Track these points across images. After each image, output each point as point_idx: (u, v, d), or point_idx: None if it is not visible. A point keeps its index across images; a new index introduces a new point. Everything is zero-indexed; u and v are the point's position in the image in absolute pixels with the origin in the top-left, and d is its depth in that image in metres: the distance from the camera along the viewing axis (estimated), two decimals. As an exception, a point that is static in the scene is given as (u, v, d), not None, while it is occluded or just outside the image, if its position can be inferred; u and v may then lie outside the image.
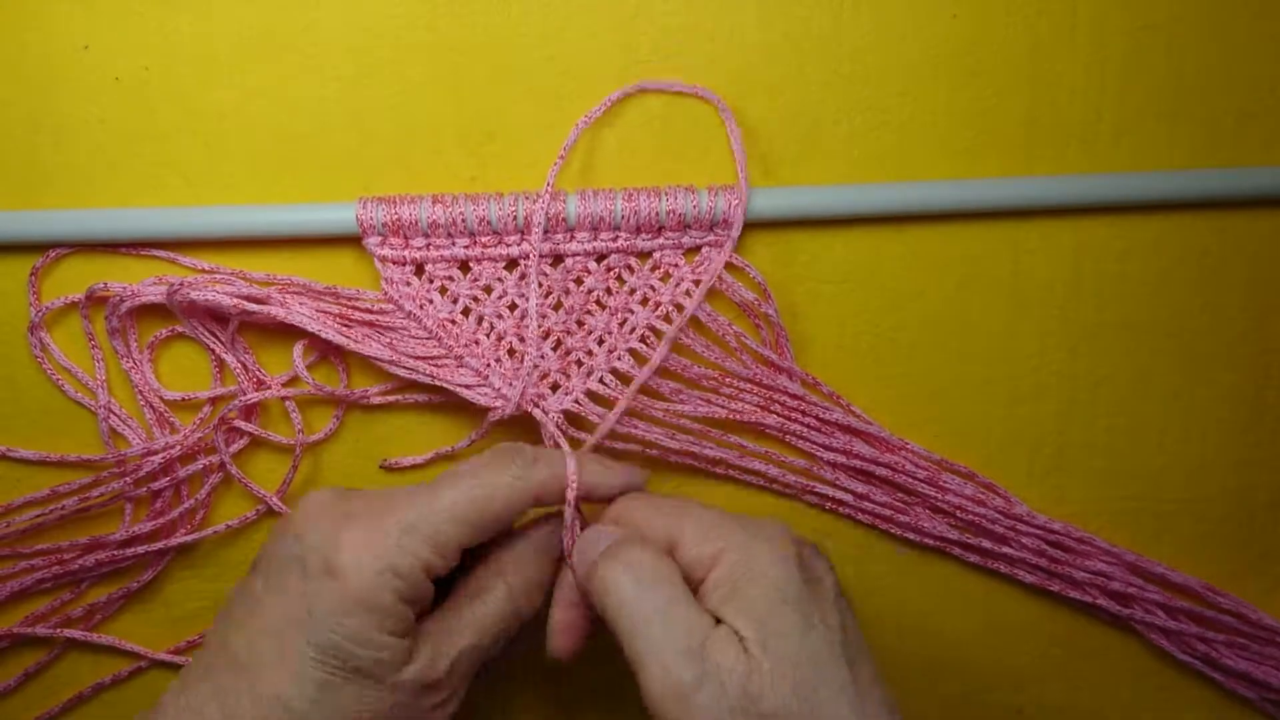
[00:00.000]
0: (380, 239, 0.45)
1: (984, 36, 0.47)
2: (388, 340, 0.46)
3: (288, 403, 0.48)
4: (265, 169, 0.47)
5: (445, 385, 0.46)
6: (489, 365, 0.46)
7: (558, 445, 0.45)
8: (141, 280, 0.46)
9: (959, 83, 0.47)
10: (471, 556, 0.41)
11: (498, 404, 0.46)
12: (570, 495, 0.41)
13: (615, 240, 0.46)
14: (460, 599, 0.41)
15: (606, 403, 0.47)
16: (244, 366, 0.48)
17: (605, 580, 0.38)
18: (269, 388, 0.48)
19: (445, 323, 0.46)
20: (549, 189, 0.44)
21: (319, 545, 0.37)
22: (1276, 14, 0.47)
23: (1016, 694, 0.52)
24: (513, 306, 0.47)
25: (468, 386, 0.46)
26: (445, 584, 0.41)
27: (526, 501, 0.40)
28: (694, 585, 0.38)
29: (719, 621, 0.37)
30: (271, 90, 0.46)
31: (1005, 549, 0.49)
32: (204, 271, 0.47)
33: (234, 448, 0.49)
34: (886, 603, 0.50)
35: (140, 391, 0.48)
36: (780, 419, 0.48)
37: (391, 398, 0.48)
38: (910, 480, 0.48)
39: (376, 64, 0.46)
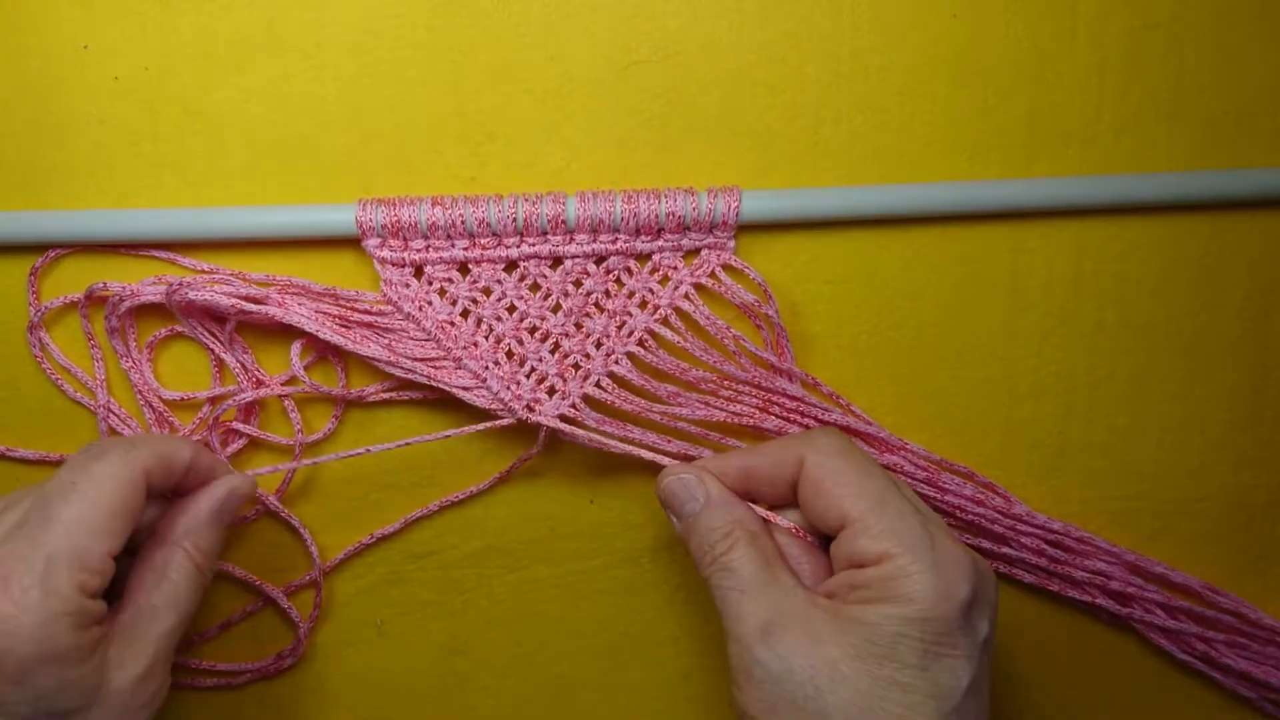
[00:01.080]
0: (379, 241, 0.45)
1: (984, 36, 0.47)
2: (386, 342, 0.46)
3: (286, 402, 0.48)
4: (265, 169, 0.47)
5: (443, 387, 0.46)
6: (487, 368, 0.46)
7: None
8: (141, 280, 0.46)
9: (959, 83, 0.47)
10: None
11: (494, 406, 0.46)
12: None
13: (614, 242, 0.46)
14: (144, 582, 0.40)
15: (603, 407, 0.47)
16: (243, 366, 0.48)
17: (724, 561, 0.39)
18: (268, 388, 0.48)
19: (444, 325, 0.46)
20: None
21: None
22: (1276, 14, 0.47)
23: (1016, 694, 0.52)
24: (511, 309, 0.47)
25: (465, 389, 0.46)
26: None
27: (141, 485, 0.39)
28: (841, 562, 0.38)
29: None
30: (271, 90, 0.46)
31: (1005, 549, 0.49)
32: (203, 272, 0.47)
33: (233, 447, 0.49)
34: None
35: (140, 391, 0.48)
36: (780, 420, 0.48)
37: (386, 395, 0.48)
38: (910, 480, 0.48)
39: (376, 64, 0.46)
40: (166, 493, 0.42)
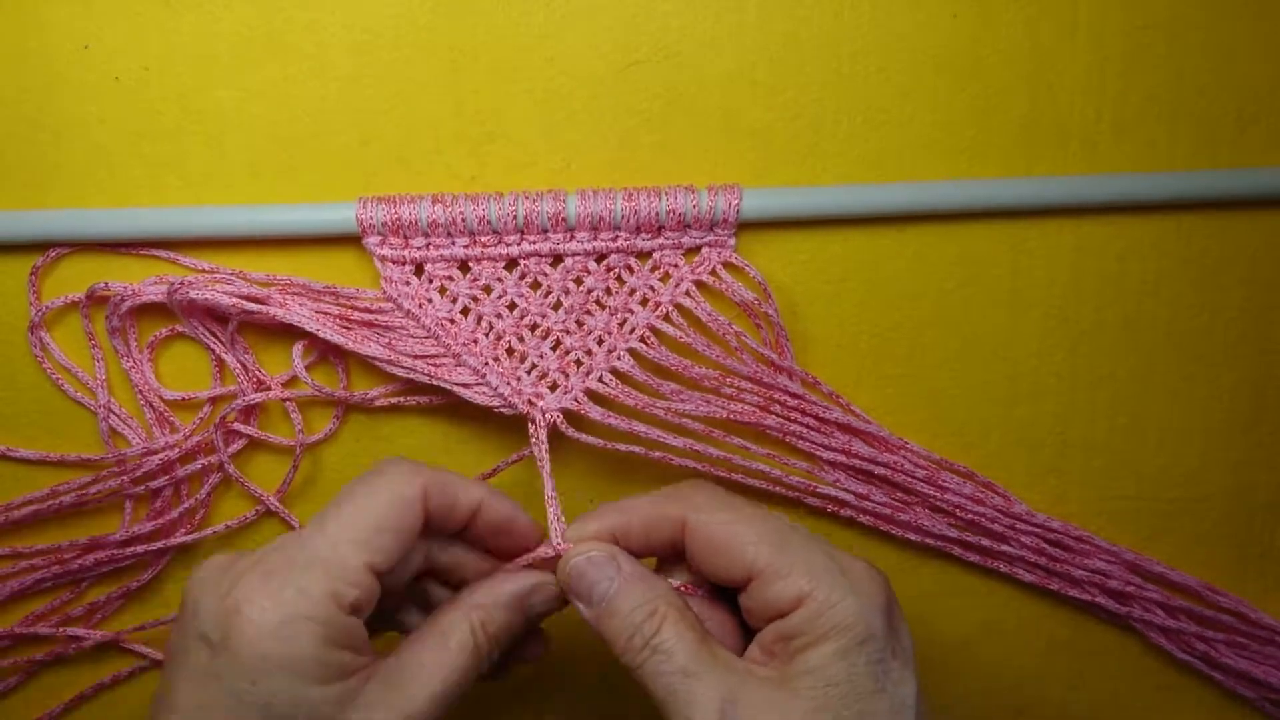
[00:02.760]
0: (380, 238, 0.45)
1: (984, 36, 0.47)
2: (387, 340, 0.46)
3: (288, 404, 0.48)
4: (265, 169, 0.47)
5: (443, 384, 0.46)
6: (487, 364, 0.46)
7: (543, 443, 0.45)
8: (142, 280, 0.46)
9: (959, 83, 0.47)
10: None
11: (495, 403, 0.46)
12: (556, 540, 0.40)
13: (615, 240, 0.46)
14: (423, 638, 0.38)
15: (606, 401, 0.47)
16: (244, 366, 0.48)
17: (656, 643, 0.36)
18: (269, 388, 0.48)
19: (444, 322, 0.46)
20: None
21: (215, 615, 0.34)
22: (1276, 14, 0.47)
23: (1016, 694, 0.52)
24: (512, 306, 0.47)
25: (465, 386, 0.46)
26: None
27: (417, 502, 0.37)
28: (758, 613, 0.36)
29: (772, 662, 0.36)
30: (271, 90, 0.46)
31: (1004, 548, 0.49)
32: (204, 271, 0.47)
33: (234, 448, 0.49)
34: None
35: (140, 391, 0.48)
36: (780, 419, 0.48)
37: (390, 400, 0.48)
38: (910, 480, 0.48)
39: (376, 64, 0.46)
40: (452, 530, 0.40)
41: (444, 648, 0.37)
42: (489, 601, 0.39)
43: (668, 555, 0.40)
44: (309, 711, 0.34)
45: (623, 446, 0.46)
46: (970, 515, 0.48)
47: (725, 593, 0.39)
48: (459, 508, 0.39)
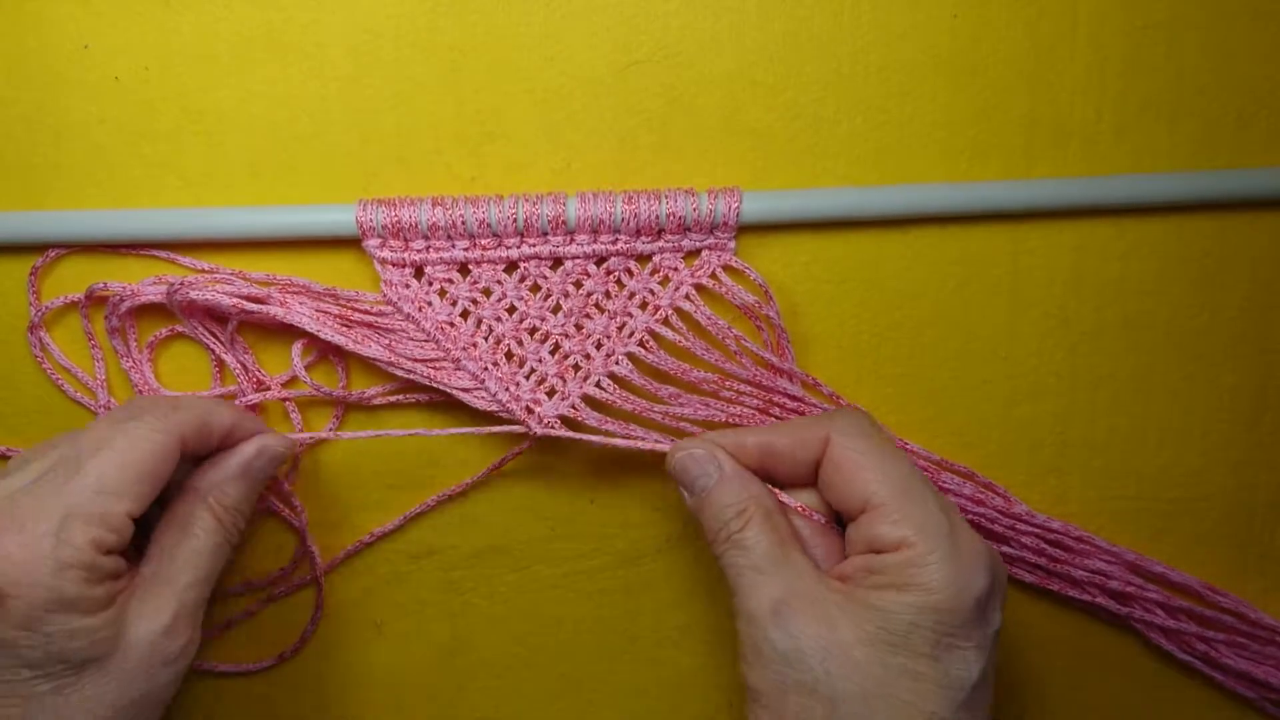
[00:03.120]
0: (380, 241, 0.45)
1: (984, 36, 0.47)
2: (386, 342, 0.46)
3: (287, 404, 0.48)
4: (265, 169, 0.47)
5: (442, 388, 0.46)
6: (486, 369, 0.46)
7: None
8: (141, 280, 0.46)
9: (959, 83, 0.47)
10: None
11: (493, 408, 0.46)
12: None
13: (615, 243, 0.46)
14: (167, 536, 0.40)
15: (603, 407, 0.47)
16: (244, 367, 0.48)
17: (739, 538, 0.39)
18: (268, 388, 0.48)
19: (444, 325, 0.46)
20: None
21: None
22: (1276, 14, 0.47)
23: (1016, 694, 0.52)
24: (511, 309, 0.47)
25: (464, 390, 0.46)
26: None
27: (175, 451, 0.39)
28: (858, 543, 0.38)
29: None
30: (271, 90, 0.46)
31: (1005, 548, 0.49)
32: (203, 271, 0.47)
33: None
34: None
35: (140, 391, 0.48)
36: (780, 421, 0.48)
37: (389, 399, 0.48)
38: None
39: (376, 64, 0.46)
40: (202, 455, 0.42)
41: (191, 536, 0.40)
42: (220, 479, 0.41)
43: (809, 479, 0.41)
44: (86, 640, 0.35)
45: (621, 442, 0.46)
46: (971, 516, 0.48)
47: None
48: (212, 438, 0.41)
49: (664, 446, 0.44)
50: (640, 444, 0.45)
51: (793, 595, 0.37)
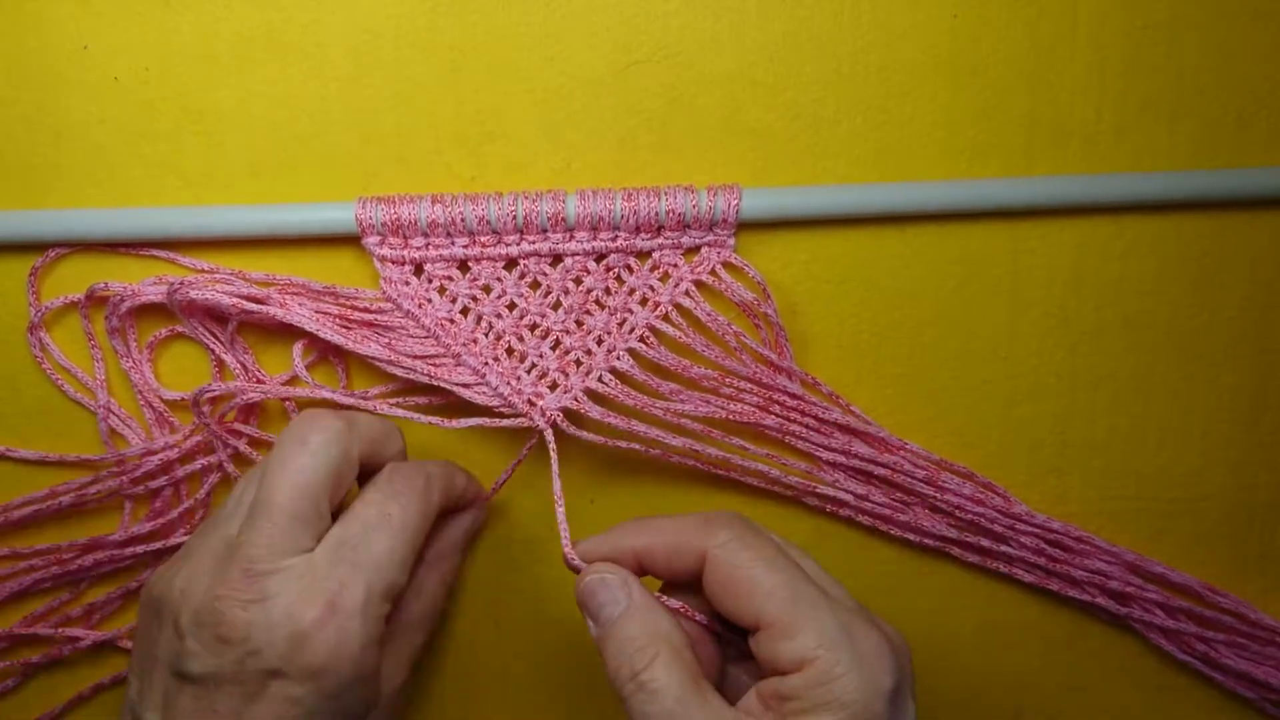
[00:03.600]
0: (379, 238, 0.45)
1: (984, 36, 0.47)
2: (386, 340, 0.46)
3: (287, 403, 0.48)
4: (265, 169, 0.47)
5: (443, 384, 0.46)
6: (487, 364, 0.46)
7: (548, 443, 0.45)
8: (141, 280, 0.46)
9: (959, 83, 0.47)
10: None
11: (495, 403, 0.46)
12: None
13: (615, 240, 0.46)
14: (407, 601, 0.43)
15: (605, 400, 0.47)
16: (243, 367, 0.48)
17: (644, 679, 0.36)
18: (268, 389, 0.48)
19: (444, 322, 0.46)
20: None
21: (286, 653, 0.36)
22: (1276, 14, 0.47)
23: (1016, 694, 0.52)
24: (511, 306, 0.47)
25: (465, 386, 0.46)
26: None
27: (432, 520, 0.42)
28: (762, 662, 0.36)
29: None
30: (271, 90, 0.46)
31: (1004, 548, 0.49)
32: (203, 271, 0.47)
33: (233, 448, 0.48)
34: (886, 604, 0.50)
35: (140, 391, 0.48)
36: (779, 419, 0.48)
37: (392, 400, 0.48)
38: (909, 480, 0.48)
39: (376, 64, 0.46)
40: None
41: (422, 600, 0.44)
42: (448, 551, 0.46)
43: (688, 582, 0.39)
44: (364, 704, 0.38)
45: (623, 443, 0.46)
46: (970, 515, 0.48)
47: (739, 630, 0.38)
48: (454, 505, 0.45)
49: (666, 456, 0.43)
50: (640, 446, 0.45)
51: None
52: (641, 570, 0.39)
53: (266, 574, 0.37)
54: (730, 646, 0.40)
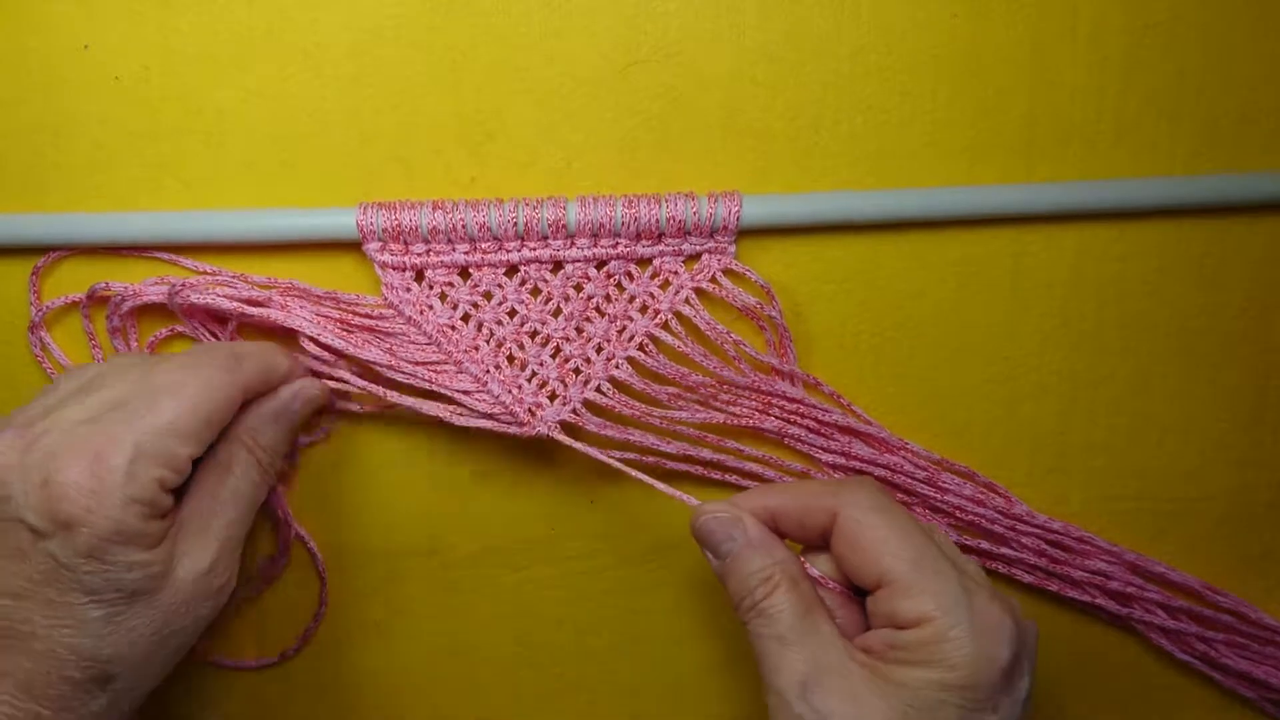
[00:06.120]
0: (380, 244, 0.45)
1: (984, 36, 0.47)
2: (387, 345, 0.46)
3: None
4: (265, 169, 0.47)
5: (443, 390, 0.46)
6: (488, 371, 0.46)
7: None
8: (142, 280, 0.46)
9: (959, 83, 0.47)
10: None
11: (495, 410, 0.46)
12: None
13: (615, 247, 0.46)
14: (208, 477, 0.41)
15: (605, 412, 0.47)
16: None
17: (763, 606, 0.38)
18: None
19: (445, 328, 0.46)
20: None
21: (37, 503, 0.36)
22: (1276, 14, 0.47)
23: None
24: (512, 313, 0.47)
25: (466, 393, 0.46)
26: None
27: (239, 399, 0.41)
28: (879, 618, 0.37)
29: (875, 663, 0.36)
30: (271, 90, 0.46)
31: (1004, 549, 0.49)
32: (206, 274, 0.47)
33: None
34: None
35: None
36: (780, 421, 0.48)
37: (392, 399, 0.48)
38: (910, 481, 0.48)
39: (376, 64, 0.46)
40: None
41: (230, 475, 0.41)
42: (258, 422, 0.43)
43: (817, 543, 0.41)
44: (141, 574, 0.37)
45: (616, 454, 0.46)
46: (971, 516, 0.48)
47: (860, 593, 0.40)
48: (269, 386, 0.44)
49: (682, 497, 0.43)
50: (634, 472, 0.45)
51: (819, 670, 0.36)
52: (774, 529, 0.41)
53: (37, 429, 0.37)
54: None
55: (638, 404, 0.47)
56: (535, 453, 0.49)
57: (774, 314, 0.47)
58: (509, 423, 0.46)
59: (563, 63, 0.46)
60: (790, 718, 0.36)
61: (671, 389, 0.47)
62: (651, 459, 0.47)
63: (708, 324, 0.46)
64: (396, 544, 0.50)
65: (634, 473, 0.45)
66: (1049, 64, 0.47)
